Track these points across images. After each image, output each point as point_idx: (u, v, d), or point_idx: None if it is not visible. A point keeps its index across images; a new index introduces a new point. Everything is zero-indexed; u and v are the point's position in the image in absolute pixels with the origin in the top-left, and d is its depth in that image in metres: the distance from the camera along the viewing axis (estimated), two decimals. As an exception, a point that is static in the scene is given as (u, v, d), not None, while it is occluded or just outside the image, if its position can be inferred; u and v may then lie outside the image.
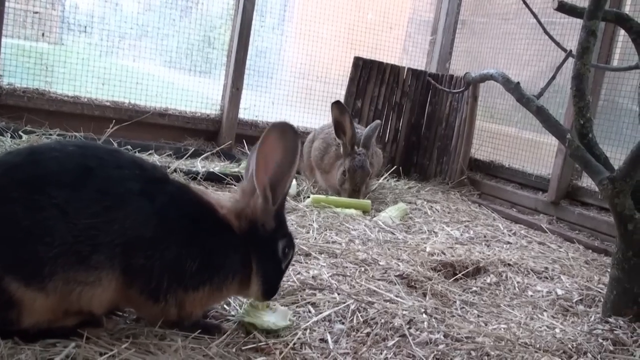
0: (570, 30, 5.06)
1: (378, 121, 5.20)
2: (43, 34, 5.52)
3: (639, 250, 2.73)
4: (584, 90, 2.79)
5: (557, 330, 2.71)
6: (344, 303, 2.58)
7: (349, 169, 4.75)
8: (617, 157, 4.50)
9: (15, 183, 1.85)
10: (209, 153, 5.51)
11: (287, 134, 2.08)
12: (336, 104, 4.79)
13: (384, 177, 5.76)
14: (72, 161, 1.94)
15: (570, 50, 3.31)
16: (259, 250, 2.20)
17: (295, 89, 6.61)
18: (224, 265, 2.12)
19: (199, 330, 2.12)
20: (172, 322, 2.11)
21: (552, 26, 4.90)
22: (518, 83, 3.16)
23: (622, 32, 4.78)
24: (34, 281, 1.84)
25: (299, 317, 2.45)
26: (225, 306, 2.48)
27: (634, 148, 2.60)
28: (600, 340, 2.61)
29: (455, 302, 2.93)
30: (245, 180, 2.30)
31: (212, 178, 4.66)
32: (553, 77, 3.30)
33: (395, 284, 2.99)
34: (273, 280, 2.25)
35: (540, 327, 2.72)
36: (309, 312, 2.51)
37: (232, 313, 2.41)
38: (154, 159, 5.17)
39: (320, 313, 2.48)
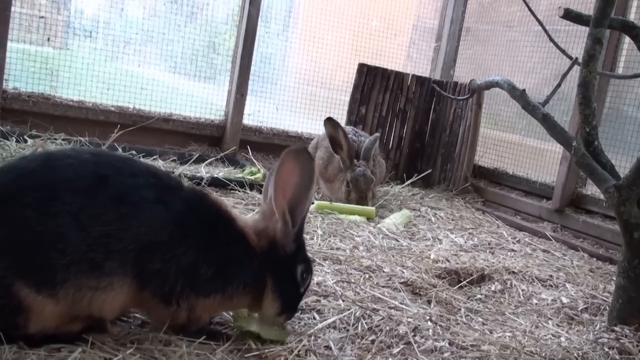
0: (575, 38, 5.06)
1: (377, 134, 5.20)
2: (49, 39, 5.53)
3: (645, 258, 2.72)
4: (590, 98, 2.79)
5: (563, 339, 2.69)
6: (349, 310, 2.57)
7: (352, 179, 4.75)
8: (622, 165, 4.50)
9: (30, 188, 1.86)
10: (213, 159, 5.52)
11: (302, 157, 2.11)
12: (328, 121, 4.80)
13: (405, 183, 5.79)
14: (87, 169, 1.95)
15: (576, 58, 3.31)
16: (276, 271, 2.21)
17: (300, 95, 6.62)
18: (238, 275, 2.13)
19: (203, 337, 2.11)
20: (179, 327, 2.11)
21: (557, 34, 4.90)
22: (524, 90, 3.15)
23: (627, 40, 4.79)
24: (45, 287, 1.84)
25: (304, 324, 2.44)
26: (229, 314, 2.47)
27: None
28: (606, 349, 2.59)
29: (460, 309, 2.91)
30: (264, 203, 2.32)
31: (216, 184, 4.65)
32: (559, 85, 3.30)
33: (400, 291, 2.99)
34: (290, 301, 2.26)
35: (545, 336, 2.71)
36: (314, 318, 2.50)
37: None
38: (158, 164, 5.17)
39: (325, 320, 2.47)
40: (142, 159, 5.16)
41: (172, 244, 1.99)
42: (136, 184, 1.99)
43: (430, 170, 6.23)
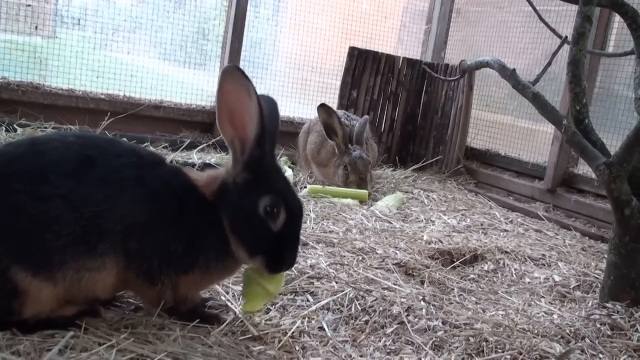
0: (565, 18, 5.05)
1: (367, 116, 5.20)
2: (36, 27, 5.48)
3: (636, 235, 2.74)
4: (580, 76, 2.79)
5: (555, 316, 2.72)
6: (342, 291, 2.58)
7: (349, 162, 4.76)
8: (613, 144, 4.51)
9: (19, 174, 1.86)
10: (204, 145, 5.51)
11: (234, 75, 1.96)
12: (322, 107, 4.79)
13: (404, 170, 5.76)
14: (73, 151, 1.96)
15: (566, 37, 3.30)
16: (229, 209, 2.07)
17: (291, 80, 6.59)
18: (204, 243, 2.07)
19: (197, 320, 2.12)
20: (170, 308, 2.12)
21: (547, 14, 4.89)
22: (514, 70, 3.15)
23: (617, 18, 4.79)
24: (43, 270, 1.86)
25: (297, 305, 2.45)
26: (224, 296, 2.48)
27: (630, 133, 2.61)
28: (598, 325, 2.62)
29: (453, 289, 2.93)
30: None
31: (209, 170, 4.63)
32: (549, 64, 3.29)
33: (393, 272, 3.00)
34: (259, 241, 2.06)
35: (538, 313, 2.73)
36: (307, 300, 2.51)
37: (231, 303, 2.40)
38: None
39: (319, 301, 2.48)
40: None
41: (148, 224, 1.99)
42: (120, 164, 1.99)
43: (427, 161, 6.21)
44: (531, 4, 3.56)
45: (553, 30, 3.51)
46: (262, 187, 2.05)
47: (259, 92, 1.99)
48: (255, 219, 2.04)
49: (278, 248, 2.07)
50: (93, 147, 1.99)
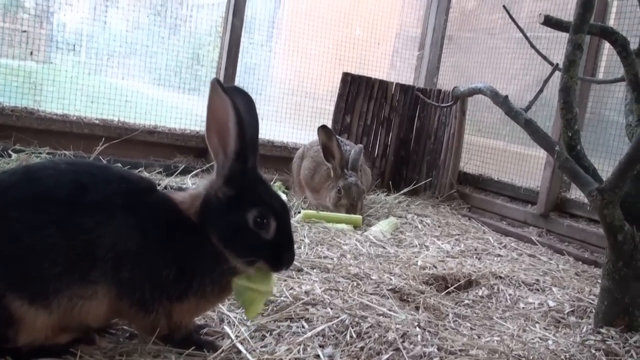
0: (556, 44, 5.11)
1: (361, 145, 5.22)
2: (32, 53, 5.51)
3: (629, 260, 2.75)
4: (571, 103, 2.82)
5: (550, 342, 2.72)
6: (338, 318, 2.57)
7: (344, 186, 4.78)
8: (605, 169, 4.54)
9: (14, 202, 1.87)
10: (199, 170, 5.51)
11: (214, 88, 2.00)
12: (322, 129, 4.82)
13: (395, 194, 5.77)
14: (66, 178, 1.97)
15: (557, 64, 3.35)
16: (218, 227, 2.07)
17: (284, 105, 6.64)
18: (197, 270, 2.06)
19: (192, 347, 2.11)
20: (165, 336, 2.11)
21: (538, 40, 4.95)
22: (506, 96, 3.19)
23: (607, 45, 4.84)
24: (39, 298, 1.85)
25: (293, 332, 2.45)
26: (218, 323, 2.47)
27: (622, 160, 2.63)
28: (593, 351, 2.62)
29: (448, 315, 2.93)
30: None
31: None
32: (540, 90, 3.34)
33: (388, 298, 3.00)
34: (251, 248, 2.07)
35: (533, 339, 2.73)
36: (303, 327, 2.50)
37: (227, 330, 2.39)
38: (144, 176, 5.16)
39: (314, 328, 2.48)
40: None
41: (137, 252, 1.98)
42: (110, 191, 1.99)
43: (420, 183, 6.24)
44: (522, 31, 3.61)
45: (544, 57, 3.56)
46: (247, 200, 2.07)
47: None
48: (246, 233, 2.05)
49: (275, 252, 2.10)
50: (85, 174, 2.00)
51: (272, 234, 2.07)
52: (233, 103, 1.98)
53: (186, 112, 6.22)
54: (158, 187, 2.22)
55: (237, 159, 2.05)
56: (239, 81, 6.23)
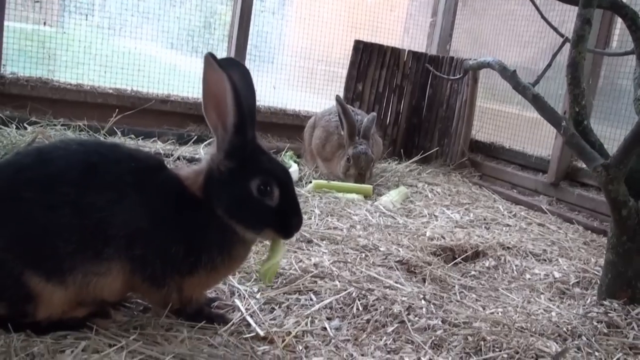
0: (571, 12, 5.05)
1: (374, 113, 5.23)
2: (45, 23, 5.53)
3: (632, 235, 2.79)
4: (579, 78, 2.82)
5: (553, 314, 2.77)
6: (345, 290, 2.64)
7: (353, 155, 4.82)
8: (616, 137, 4.55)
9: (29, 183, 1.94)
10: (212, 139, 5.54)
11: (209, 63, 2.03)
12: (338, 99, 4.89)
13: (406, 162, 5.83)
14: (78, 158, 2.03)
15: (567, 37, 3.33)
16: (223, 199, 2.13)
17: (297, 72, 6.63)
18: (205, 243, 2.13)
19: (204, 321, 2.20)
20: (177, 310, 2.20)
21: (553, 7, 4.91)
22: (514, 71, 3.19)
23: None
24: (55, 275, 1.94)
25: (301, 305, 2.52)
26: (229, 296, 2.55)
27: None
28: (595, 323, 2.67)
29: (454, 286, 2.99)
30: None
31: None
32: (549, 65, 3.33)
33: (395, 270, 3.06)
34: (259, 217, 2.14)
35: (536, 311, 2.79)
36: (311, 299, 2.58)
37: (237, 303, 2.47)
38: (157, 146, 5.23)
39: (322, 301, 2.55)
40: (139, 141, 5.24)
41: (148, 229, 2.05)
42: (120, 170, 2.05)
43: (431, 151, 6.25)
44: (533, 3, 3.58)
45: (555, 29, 3.54)
46: (249, 170, 2.12)
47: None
48: (251, 202, 2.11)
49: (283, 218, 2.16)
50: (95, 154, 2.06)
51: (277, 200, 2.14)
52: (229, 76, 2.01)
53: (199, 80, 6.21)
54: (166, 164, 2.28)
55: (237, 132, 2.10)
56: (251, 49, 6.23)
